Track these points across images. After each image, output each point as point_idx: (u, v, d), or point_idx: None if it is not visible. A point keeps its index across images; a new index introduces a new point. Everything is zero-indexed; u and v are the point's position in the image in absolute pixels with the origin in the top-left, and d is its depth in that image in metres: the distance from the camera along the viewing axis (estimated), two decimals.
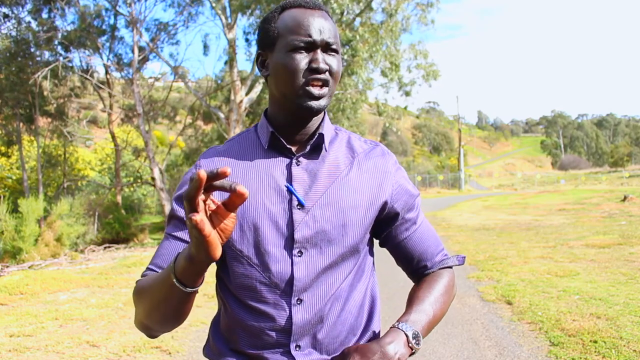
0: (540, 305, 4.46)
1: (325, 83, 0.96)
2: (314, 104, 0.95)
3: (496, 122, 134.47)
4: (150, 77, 19.26)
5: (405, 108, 18.71)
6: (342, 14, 13.28)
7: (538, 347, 3.49)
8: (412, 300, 1.04)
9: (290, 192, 0.96)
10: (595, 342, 3.43)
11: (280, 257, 0.95)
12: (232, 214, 0.75)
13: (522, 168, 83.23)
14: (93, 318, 4.70)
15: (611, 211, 12.74)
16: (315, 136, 1.00)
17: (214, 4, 14.87)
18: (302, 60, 0.94)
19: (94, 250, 11.36)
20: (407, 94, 16.51)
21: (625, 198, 15.29)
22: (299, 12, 0.96)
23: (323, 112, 1.05)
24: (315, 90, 0.94)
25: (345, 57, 13.00)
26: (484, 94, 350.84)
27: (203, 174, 0.66)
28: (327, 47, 0.96)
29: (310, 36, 0.94)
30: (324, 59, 0.95)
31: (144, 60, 16.30)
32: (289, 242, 0.95)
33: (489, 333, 3.86)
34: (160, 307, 0.88)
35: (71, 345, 3.92)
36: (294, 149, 1.00)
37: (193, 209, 0.70)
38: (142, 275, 0.99)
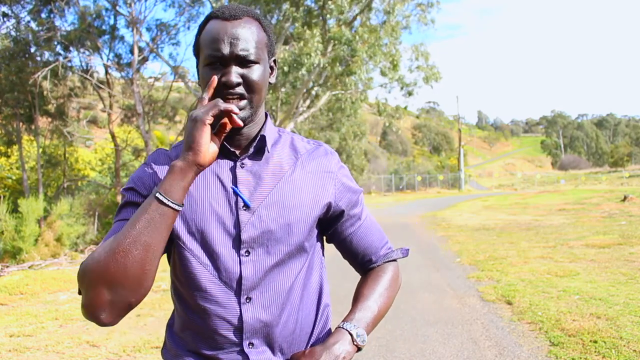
0: (540, 305, 4.46)
1: (241, 96, 0.96)
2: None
3: (496, 122, 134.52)
4: (150, 77, 19.23)
5: (406, 108, 18.63)
6: (341, 13, 13.26)
7: (538, 347, 3.49)
8: (357, 298, 1.08)
9: (236, 193, 0.99)
10: (595, 342, 3.43)
11: (229, 257, 0.97)
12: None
13: (522, 168, 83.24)
14: None
15: (611, 211, 12.74)
16: (257, 139, 1.02)
17: (214, 4, 14.88)
18: (216, 75, 0.94)
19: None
20: (410, 94, 16.48)
21: (625, 198, 15.29)
22: (216, 24, 0.96)
23: (265, 115, 1.07)
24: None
25: (345, 56, 12.98)
26: (484, 94, 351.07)
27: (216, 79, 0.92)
28: (242, 60, 0.95)
29: (219, 50, 0.94)
30: (237, 72, 0.94)
31: (144, 60, 16.28)
32: (237, 243, 0.98)
33: (489, 333, 3.86)
34: (132, 250, 0.84)
35: (71, 345, 3.92)
36: (237, 152, 1.02)
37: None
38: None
